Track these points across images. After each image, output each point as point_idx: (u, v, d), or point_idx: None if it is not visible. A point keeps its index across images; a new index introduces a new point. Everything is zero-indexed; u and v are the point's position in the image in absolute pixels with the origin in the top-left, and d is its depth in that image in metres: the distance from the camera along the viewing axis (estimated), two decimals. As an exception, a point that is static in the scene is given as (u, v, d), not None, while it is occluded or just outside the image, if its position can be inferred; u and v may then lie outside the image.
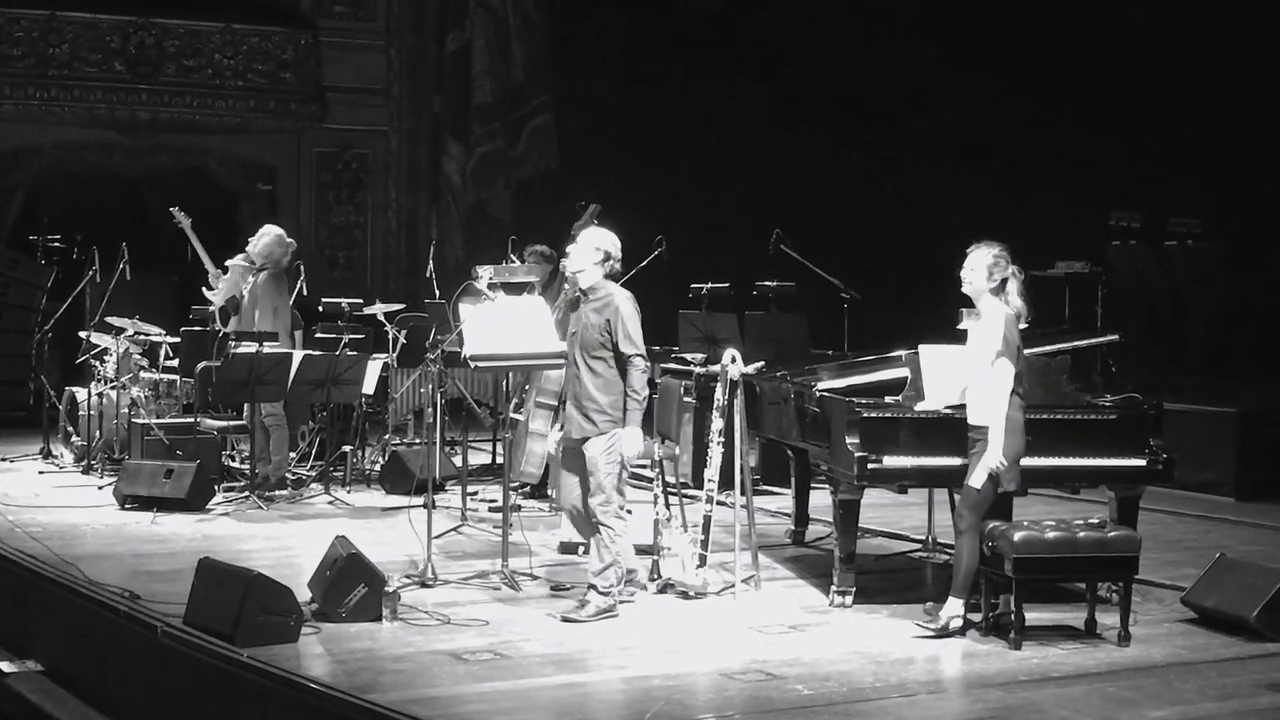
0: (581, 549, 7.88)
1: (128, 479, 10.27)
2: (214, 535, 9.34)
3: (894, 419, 7.33)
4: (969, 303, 7.14)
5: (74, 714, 7.05)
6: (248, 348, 10.29)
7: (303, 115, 18.57)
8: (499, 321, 7.98)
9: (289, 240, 11.11)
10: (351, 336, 11.21)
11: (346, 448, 11.56)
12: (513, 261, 10.57)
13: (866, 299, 11.76)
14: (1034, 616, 7.00)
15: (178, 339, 12.03)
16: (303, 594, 7.12)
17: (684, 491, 9.03)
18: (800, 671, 6.36)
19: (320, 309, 12.65)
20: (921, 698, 6.07)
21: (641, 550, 8.14)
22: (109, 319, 11.94)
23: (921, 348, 7.55)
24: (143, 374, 11.81)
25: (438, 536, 8.61)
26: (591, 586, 7.28)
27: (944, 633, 6.91)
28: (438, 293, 12.45)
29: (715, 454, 7.85)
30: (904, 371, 7.69)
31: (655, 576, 7.94)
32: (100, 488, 10.86)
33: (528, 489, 10.47)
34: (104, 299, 12.15)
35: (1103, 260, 13.16)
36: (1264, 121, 12.80)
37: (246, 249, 11.09)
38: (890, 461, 7.28)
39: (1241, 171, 12.99)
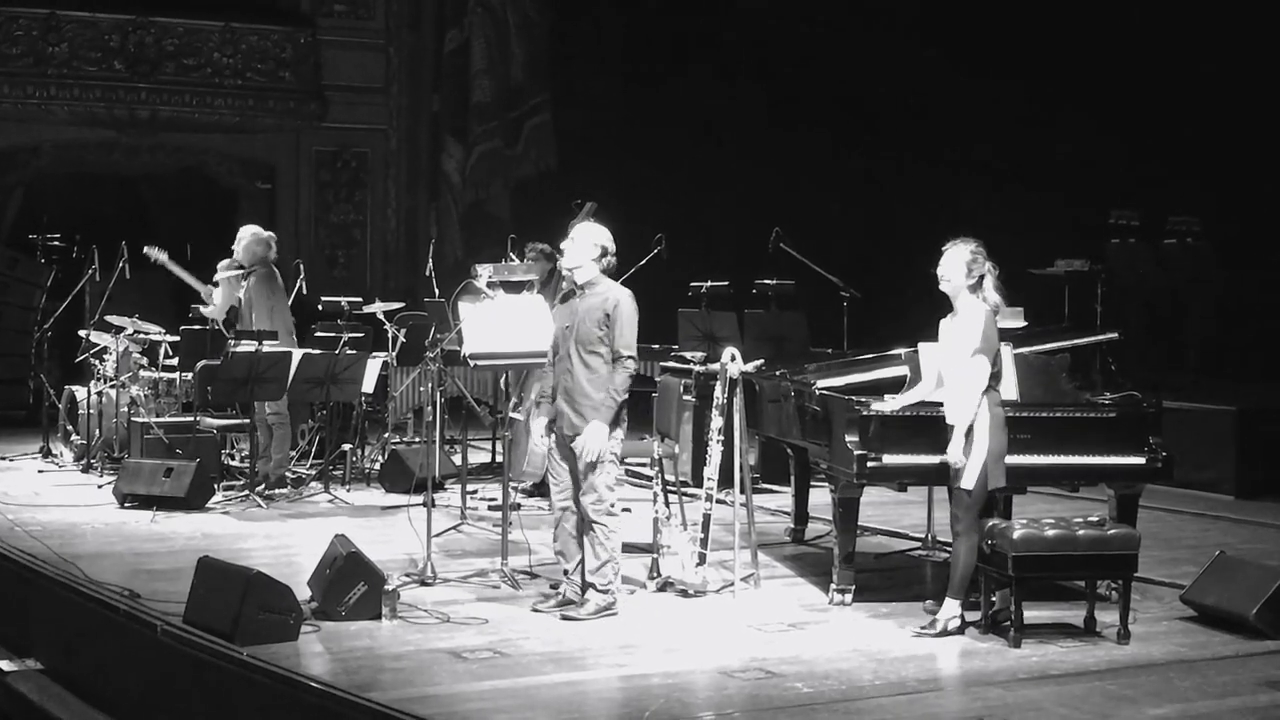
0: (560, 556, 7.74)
1: (127, 478, 10.27)
2: (213, 534, 9.34)
3: (894, 417, 7.33)
4: None
5: (74, 713, 7.05)
6: (247, 346, 10.29)
7: (302, 114, 18.57)
8: (498, 320, 7.98)
9: (266, 234, 11.06)
10: (351, 335, 11.23)
11: (346, 446, 11.56)
12: (512, 260, 10.57)
13: (866, 297, 11.76)
14: (1033, 614, 7.00)
15: (177, 338, 12.04)
16: (302, 592, 7.12)
17: (683, 490, 9.02)
18: (800, 669, 6.37)
19: (320, 308, 12.65)
20: (921, 696, 6.07)
21: (641, 549, 8.16)
22: (108, 318, 11.93)
23: (921, 345, 7.54)
24: (142, 373, 11.81)
25: (437, 535, 8.62)
26: (590, 585, 7.27)
27: (943, 634, 6.91)
28: (437, 291, 12.45)
29: (715, 452, 7.85)
30: (903, 369, 7.69)
31: (655, 575, 7.94)
32: (100, 486, 10.86)
33: (528, 487, 10.48)
34: (103, 298, 12.14)
35: (1102, 258, 13.16)
36: (1263, 121, 12.82)
37: (232, 256, 11.08)
38: (890, 459, 7.28)
39: (1240, 170, 13.00)
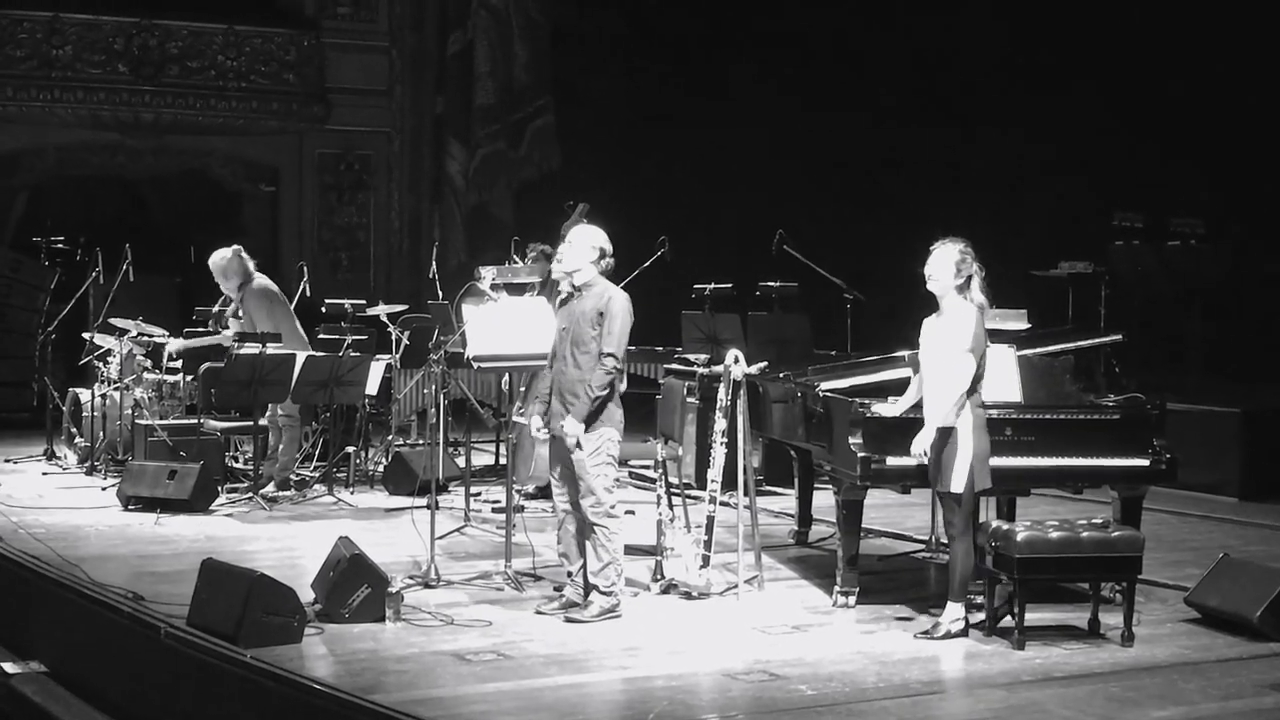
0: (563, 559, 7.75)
1: (131, 480, 10.28)
2: (217, 536, 9.35)
3: (897, 419, 7.32)
4: None
5: (77, 715, 7.05)
6: (251, 349, 10.29)
7: (305, 116, 18.58)
8: (501, 322, 7.98)
9: (230, 252, 10.83)
10: (354, 338, 11.23)
11: (350, 449, 11.56)
12: (515, 262, 10.58)
13: (869, 300, 11.76)
14: (1037, 616, 7.00)
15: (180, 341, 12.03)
16: (306, 595, 7.13)
17: (687, 492, 9.03)
18: (803, 672, 6.36)
19: (323, 310, 12.66)
20: (924, 698, 6.07)
21: (645, 551, 8.15)
22: (112, 320, 11.93)
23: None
24: (146, 375, 11.81)
25: (441, 537, 8.62)
26: (593, 587, 7.27)
27: (946, 637, 6.91)
28: (440, 294, 12.45)
29: (718, 454, 7.85)
30: (907, 372, 7.68)
31: (659, 577, 7.94)
32: (104, 489, 10.87)
33: (531, 490, 10.48)
34: (107, 300, 12.15)
35: (1105, 260, 13.17)
36: (1267, 122, 12.81)
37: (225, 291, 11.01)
38: (893, 461, 7.27)
39: (1244, 172, 13.00)
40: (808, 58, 15.81)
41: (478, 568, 8.32)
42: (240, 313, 10.89)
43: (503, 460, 11.65)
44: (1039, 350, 7.98)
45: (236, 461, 11.75)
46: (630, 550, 7.64)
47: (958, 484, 6.83)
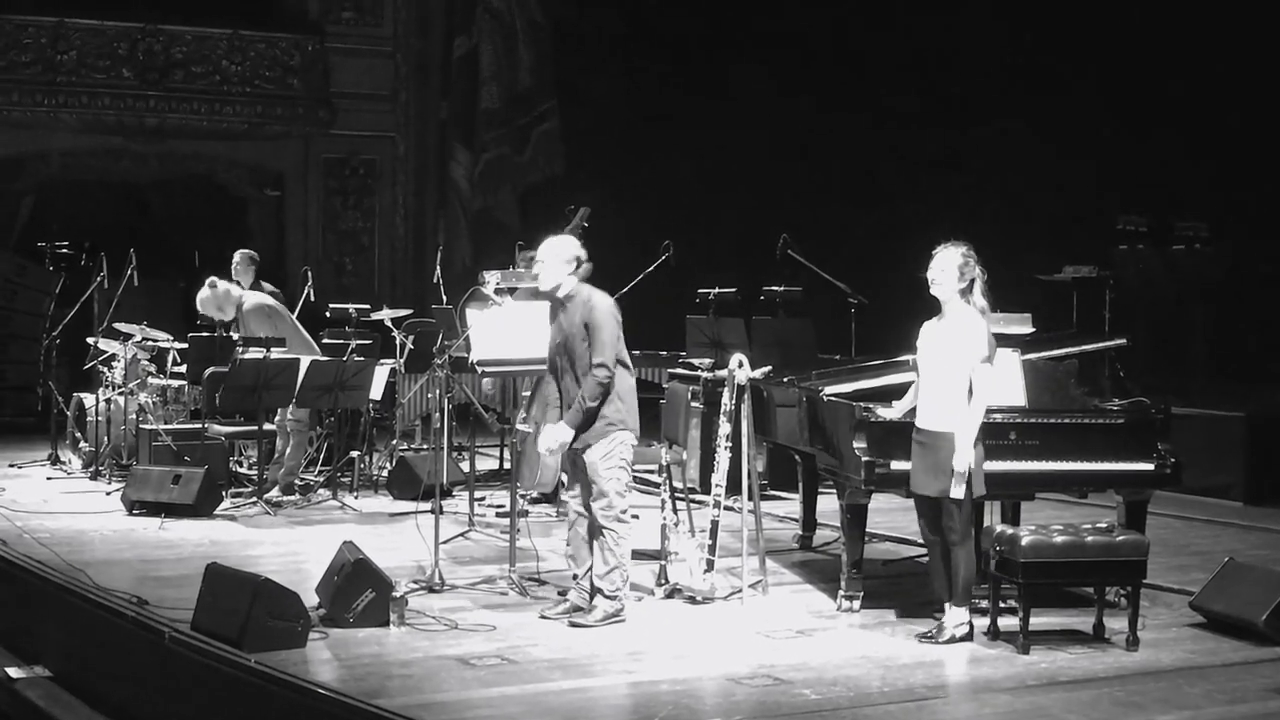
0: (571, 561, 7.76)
1: (135, 485, 10.28)
2: (222, 540, 9.35)
3: (901, 423, 7.31)
4: None
5: (81, 719, 7.06)
6: (255, 353, 10.30)
7: (310, 121, 18.61)
8: (506, 327, 7.98)
9: (213, 287, 10.82)
10: (359, 342, 11.24)
11: (354, 453, 11.56)
12: (520, 267, 10.58)
13: (873, 304, 11.75)
14: (1042, 621, 6.99)
15: (185, 345, 12.04)
16: (310, 599, 7.12)
17: (691, 496, 9.02)
18: (808, 676, 6.36)
19: (327, 314, 12.67)
20: (929, 703, 6.06)
21: (649, 555, 8.15)
22: (117, 325, 11.95)
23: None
24: (150, 380, 11.83)
25: (445, 542, 8.61)
26: (598, 590, 7.26)
27: (950, 641, 6.90)
28: (445, 298, 12.46)
29: (722, 459, 7.85)
30: (911, 376, 7.68)
31: (663, 582, 7.93)
32: (108, 493, 10.87)
33: (535, 495, 10.48)
34: (112, 305, 12.18)
35: (1110, 264, 13.16)
36: (1271, 125, 12.80)
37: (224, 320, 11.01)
38: (898, 466, 7.26)
39: (1248, 175, 12.98)
40: (809, 58, 15.80)
41: (482, 572, 8.31)
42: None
43: (507, 465, 11.66)
44: (1043, 354, 7.97)
45: (241, 466, 11.76)
46: (635, 555, 7.63)
47: (958, 490, 6.82)
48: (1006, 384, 7.50)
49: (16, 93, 17.19)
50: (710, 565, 7.77)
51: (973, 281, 6.92)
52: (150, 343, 11.89)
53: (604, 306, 7.21)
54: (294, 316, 11.48)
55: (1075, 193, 13.74)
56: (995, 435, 7.12)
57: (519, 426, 9.62)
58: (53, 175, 18.19)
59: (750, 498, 8.02)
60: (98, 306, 12.58)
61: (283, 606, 6.69)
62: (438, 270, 13.12)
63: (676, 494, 8.35)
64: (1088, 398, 7.87)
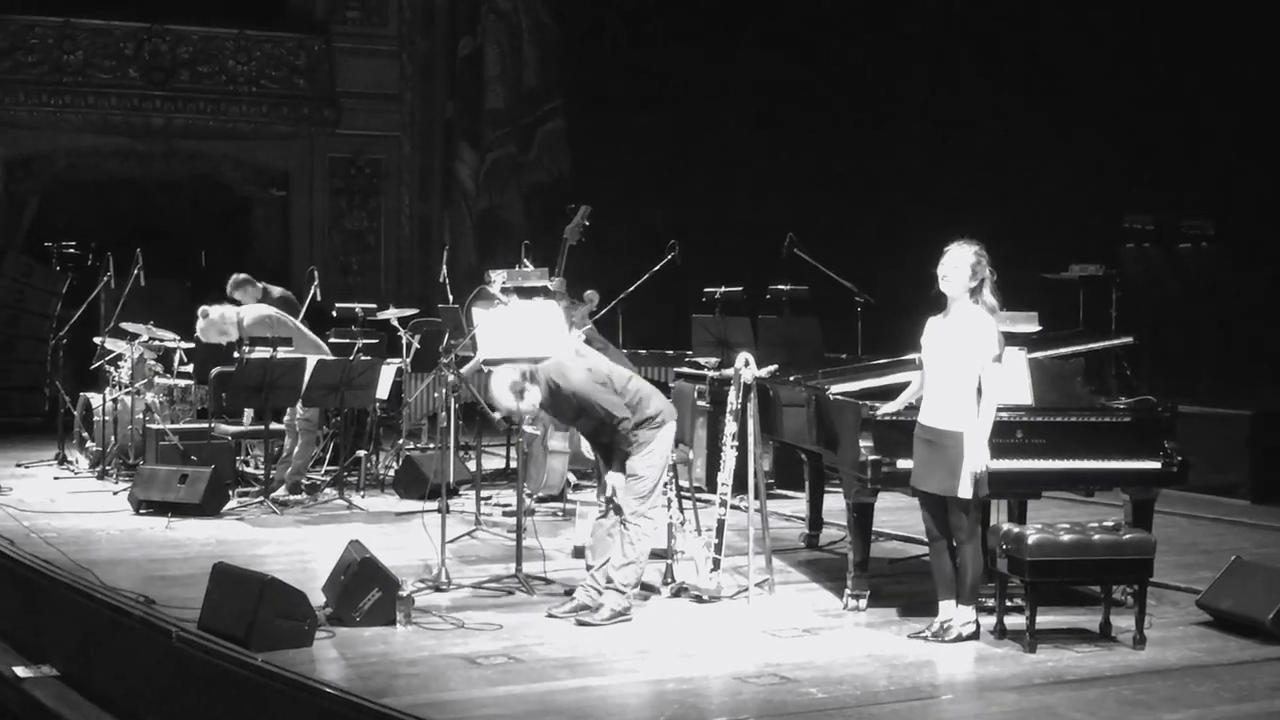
0: (589, 552, 7.79)
1: (142, 484, 10.30)
2: (228, 540, 9.36)
3: (907, 422, 7.31)
4: None
5: (88, 718, 7.07)
6: (261, 353, 10.31)
7: (316, 121, 18.64)
8: (512, 326, 7.98)
9: (205, 316, 10.76)
10: (365, 341, 11.24)
11: (361, 452, 11.57)
12: (525, 266, 10.57)
13: (880, 303, 11.75)
14: (1048, 620, 6.98)
15: (192, 345, 12.06)
16: (317, 598, 7.12)
17: (698, 495, 9.02)
18: (814, 675, 6.35)
19: (334, 314, 12.68)
20: (935, 701, 6.06)
21: (656, 554, 8.15)
22: (123, 325, 11.97)
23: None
24: (157, 379, 11.84)
25: (451, 541, 8.61)
26: (610, 582, 7.25)
27: (957, 640, 6.90)
28: (451, 297, 12.47)
29: (729, 458, 7.85)
30: (918, 374, 7.68)
31: (669, 580, 7.94)
32: (115, 493, 10.89)
33: (541, 495, 10.49)
34: (118, 305, 12.19)
35: (1116, 263, 13.14)
36: (1277, 123, 12.77)
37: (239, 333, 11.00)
38: (904, 464, 7.25)
39: (1254, 173, 12.96)
40: (813, 58, 15.79)
41: (489, 571, 8.31)
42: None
43: (513, 464, 11.66)
44: (1050, 353, 7.96)
45: (248, 465, 11.78)
46: (641, 555, 7.63)
47: (965, 490, 6.81)
48: (1013, 382, 7.49)
49: (23, 93, 17.22)
50: (717, 564, 7.77)
51: (983, 281, 6.91)
52: (157, 342, 11.90)
53: (577, 382, 7.30)
54: (300, 317, 11.48)
55: (1081, 191, 13.72)
56: (1002, 434, 7.11)
57: (526, 428, 9.63)
58: (59, 175, 18.22)
59: (756, 496, 8.01)
60: (104, 306, 12.59)
61: (289, 606, 6.69)
62: (444, 269, 13.11)
63: (683, 493, 8.36)
64: (1094, 396, 7.87)
